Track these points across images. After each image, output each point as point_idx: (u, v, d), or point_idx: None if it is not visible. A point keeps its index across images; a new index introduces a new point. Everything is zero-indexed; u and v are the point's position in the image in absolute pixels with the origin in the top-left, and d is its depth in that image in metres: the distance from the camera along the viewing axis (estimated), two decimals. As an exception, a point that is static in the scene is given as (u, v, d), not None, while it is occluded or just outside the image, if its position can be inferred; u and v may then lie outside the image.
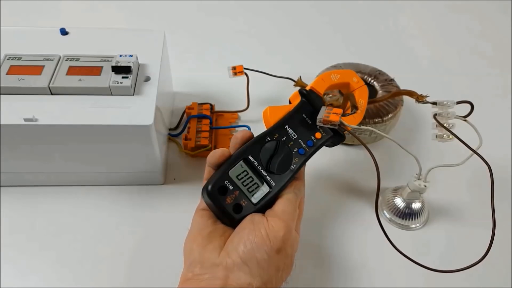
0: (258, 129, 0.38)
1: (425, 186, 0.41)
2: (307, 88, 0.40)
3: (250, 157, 0.35)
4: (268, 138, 0.36)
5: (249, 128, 0.53)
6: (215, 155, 0.35)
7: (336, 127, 0.36)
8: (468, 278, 0.39)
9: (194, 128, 0.50)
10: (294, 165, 0.35)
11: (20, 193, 0.45)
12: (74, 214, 0.44)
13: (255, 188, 0.34)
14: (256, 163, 0.35)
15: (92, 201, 0.45)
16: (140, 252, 0.41)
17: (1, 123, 0.38)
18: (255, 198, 0.34)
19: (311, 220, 0.44)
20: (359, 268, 0.41)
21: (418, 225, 0.45)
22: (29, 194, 0.45)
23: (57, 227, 0.43)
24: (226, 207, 0.33)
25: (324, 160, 0.51)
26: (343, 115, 0.36)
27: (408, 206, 0.44)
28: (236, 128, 0.54)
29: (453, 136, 0.39)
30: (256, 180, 0.34)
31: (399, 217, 0.45)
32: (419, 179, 0.42)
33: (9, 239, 0.42)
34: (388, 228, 0.44)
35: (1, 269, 0.39)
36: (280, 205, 0.33)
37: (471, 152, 0.37)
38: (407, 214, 0.44)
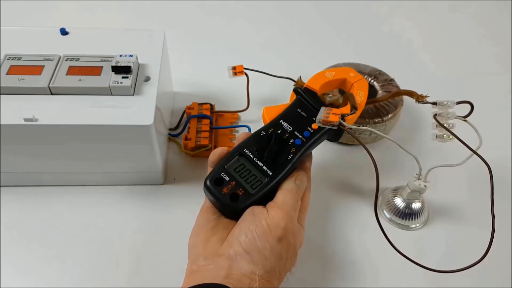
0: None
1: (425, 186, 0.41)
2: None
3: (245, 150, 0.36)
4: (263, 132, 0.37)
5: (249, 128, 0.53)
6: (215, 154, 0.36)
7: (335, 128, 0.36)
8: (468, 278, 0.39)
9: (194, 128, 0.50)
10: (292, 155, 0.36)
11: (20, 193, 0.45)
12: (74, 214, 0.44)
13: (253, 179, 0.35)
14: (251, 155, 0.36)
15: (92, 201, 0.45)
16: (140, 252, 0.41)
17: (1, 123, 0.38)
18: (252, 188, 0.34)
19: (311, 219, 0.44)
20: (359, 268, 0.41)
21: (418, 225, 0.45)
22: (29, 194, 0.45)
23: (57, 227, 0.43)
24: (222, 197, 0.34)
25: (324, 160, 0.51)
26: (342, 115, 0.37)
27: (408, 206, 0.44)
28: (236, 128, 0.54)
29: (453, 136, 0.39)
30: (253, 171, 0.35)
31: (399, 217, 0.45)
32: (419, 179, 0.42)
33: (9, 239, 0.42)
34: (388, 228, 0.44)
35: (1, 269, 0.39)
36: (281, 196, 0.34)
37: (471, 152, 0.37)
38: (407, 214, 0.44)
